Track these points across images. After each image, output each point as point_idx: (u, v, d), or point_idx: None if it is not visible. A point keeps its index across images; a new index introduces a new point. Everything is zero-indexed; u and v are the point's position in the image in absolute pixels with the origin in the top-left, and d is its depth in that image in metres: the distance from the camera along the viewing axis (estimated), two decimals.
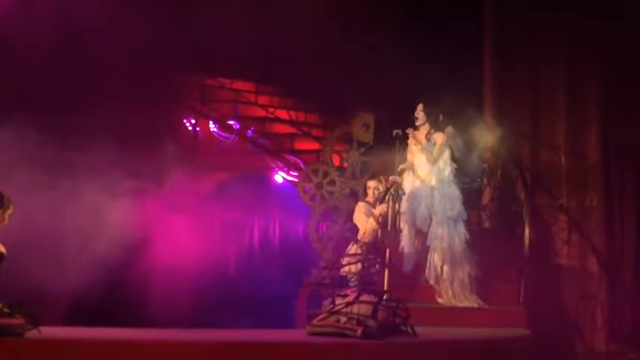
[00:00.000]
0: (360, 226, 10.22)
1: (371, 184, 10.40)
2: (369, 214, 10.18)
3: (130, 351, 7.13)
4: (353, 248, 10.24)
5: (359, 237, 10.24)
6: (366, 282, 9.37)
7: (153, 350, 7.21)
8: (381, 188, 10.25)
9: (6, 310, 6.83)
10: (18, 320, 6.78)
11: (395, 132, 10.44)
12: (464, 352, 8.17)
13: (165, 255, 10.63)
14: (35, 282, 7.63)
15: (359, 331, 7.67)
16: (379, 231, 10.16)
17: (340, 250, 10.51)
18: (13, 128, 8.53)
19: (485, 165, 10.88)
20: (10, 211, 7.06)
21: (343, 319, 7.86)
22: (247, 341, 7.68)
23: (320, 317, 8.06)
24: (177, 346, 7.29)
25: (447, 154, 10.05)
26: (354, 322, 7.77)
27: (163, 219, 10.50)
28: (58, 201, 8.05)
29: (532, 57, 11.39)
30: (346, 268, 10.04)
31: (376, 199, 10.20)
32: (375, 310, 7.88)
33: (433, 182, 10.04)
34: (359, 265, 9.99)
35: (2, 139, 8.01)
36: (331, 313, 8.02)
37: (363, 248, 10.16)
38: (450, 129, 10.22)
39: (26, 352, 6.83)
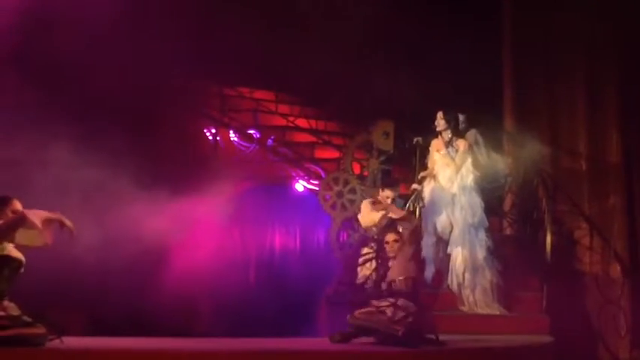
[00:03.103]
0: (362, 220, 10.17)
1: (387, 193, 10.38)
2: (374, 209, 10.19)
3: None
4: (364, 250, 10.30)
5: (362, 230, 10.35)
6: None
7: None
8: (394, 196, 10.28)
9: (27, 318, 6.82)
10: (40, 330, 6.80)
11: (415, 140, 10.47)
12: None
13: (186, 263, 10.64)
14: (54, 291, 7.60)
15: (400, 332, 7.75)
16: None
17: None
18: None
19: (507, 171, 10.88)
20: (13, 207, 7.06)
21: (385, 317, 7.95)
22: (270, 350, 7.75)
23: (363, 311, 8.13)
24: (200, 355, 7.36)
25: (469, 161, 10.06)
26: (397, 322, 7.84)
27: (184, 228, 10.49)
28: (85, 210, 8.10)
29: (550, 64, 11.38)
30: (360, 274, 10.13)
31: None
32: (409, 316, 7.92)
33: (454, 189, 10.06)
34: (372, 266, 10.08)
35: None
36: (377, 309, 8.09)
37: (373, 246, 10.22)
38: (472, 131, 10.26)
39: None
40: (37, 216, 6.96)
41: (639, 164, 11.12)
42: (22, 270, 7.14)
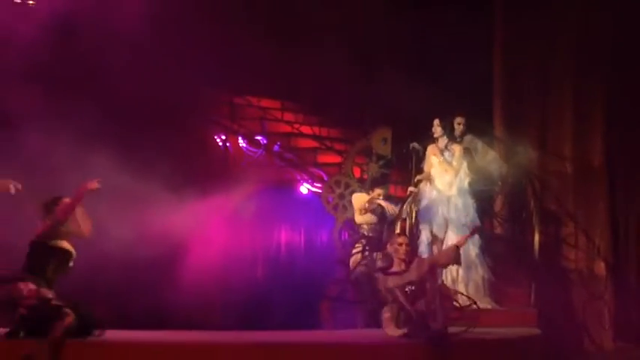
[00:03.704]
0: (354, 203, 10.59)
1: (377, 191, 10.56)
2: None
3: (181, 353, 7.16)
4: (356, 246, 10.35)
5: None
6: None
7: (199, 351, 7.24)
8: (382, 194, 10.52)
9: (67, 310, 6.73)
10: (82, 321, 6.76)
11: (411, 145, 10.45)
12: (478, 350, 8.10)
13: (200, 259, 10.61)
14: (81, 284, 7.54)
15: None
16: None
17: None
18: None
19: (497, 177, 10.80)
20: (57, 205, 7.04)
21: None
22: (276, 342, 7.72)
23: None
24: (215, 347, 7.37)
25: (465, 164, 10.05)
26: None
27: (197, 227, 10.48)
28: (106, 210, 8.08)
29: (540, 72, 11.30)
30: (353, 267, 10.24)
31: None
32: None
33: (449, 192, 10.04)
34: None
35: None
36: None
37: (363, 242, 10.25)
38: (469, 136, 10.25)
39: (88, 355, 6.79)
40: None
41: (621, 168, 11.03)
42: (72, 263, 7.15)
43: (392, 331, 7.95)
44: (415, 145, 10.45)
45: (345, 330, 9.79)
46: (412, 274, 8.05)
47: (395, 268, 8.16)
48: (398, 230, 10.42)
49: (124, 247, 8.90)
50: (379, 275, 8.39)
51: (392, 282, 8.12)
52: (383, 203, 10.39)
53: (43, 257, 7.02)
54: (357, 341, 8.32)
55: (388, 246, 8.36)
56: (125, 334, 7.62)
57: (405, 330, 7.89)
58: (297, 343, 7.81)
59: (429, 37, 12.27)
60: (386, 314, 8.05)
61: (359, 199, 10.66)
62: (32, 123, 9.27)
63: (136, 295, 10.15)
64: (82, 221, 7.19)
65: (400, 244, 8.22)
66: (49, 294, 6.89)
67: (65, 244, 7.08)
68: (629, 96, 10.99)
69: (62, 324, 6.63)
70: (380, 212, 10.57)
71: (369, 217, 10.51)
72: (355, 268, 10.37)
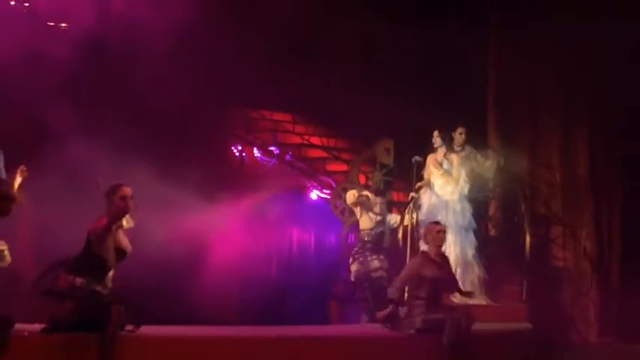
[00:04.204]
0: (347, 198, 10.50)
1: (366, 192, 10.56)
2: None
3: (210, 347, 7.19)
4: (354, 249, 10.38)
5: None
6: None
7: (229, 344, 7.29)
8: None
9: (118, 306, 6.46)
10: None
11: (413, 159, 10.45)
12: (474, 343, 7.98)
13: (219, 259, 10.66)
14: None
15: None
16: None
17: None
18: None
19: (493, 183, 10.81)
20: (121, 193, 6.58)
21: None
22: (292, 335, 7.85)
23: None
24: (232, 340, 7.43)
25: (464, 173, 10.05)
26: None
27: (216, 230, 10.51)
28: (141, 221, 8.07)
29: (531, 91, 11.20)
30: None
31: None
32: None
33: (447, 197, 10.04)
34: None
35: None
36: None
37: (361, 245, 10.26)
38: (467, 147, 10.26)
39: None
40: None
41: (605, 175, 10.96)
42: (125, 258, 6.84)
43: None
44: (417, 158, 10.46)
45: (351, 325, 9.82)
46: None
47: (432, 256, 8.04)
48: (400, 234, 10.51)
49: (152, 248, 8.84)
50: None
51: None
52: (370, 196, 10.37)
53: (100, 250, 6.59)
54: (361, 335, 8.45)
55: (425, 235, 8.24)
56: (153, 329, 7.58)
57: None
58: (307, 337, 7.90)
59: (429, 58, 12.26)
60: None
61: (350, 195, 10.65)
62: (72, 136, 9.28)
63: (163, 292, 10.15)
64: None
65: (438, 232, 8.09)
66: (100, 287, 6.60)
67: (123, 240, 6.77)
68: (610, 113, 10.92)
69: (116, 320, 6.39)
70: (368, 204, 10.53)
71: (369, 222, 10.45)
72: (354, 269, 10.38)
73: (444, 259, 8.29)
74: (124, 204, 6.56)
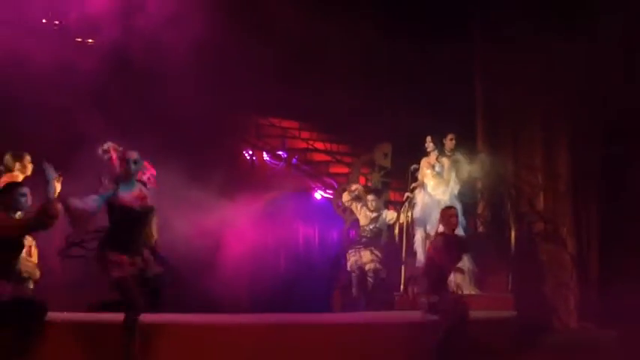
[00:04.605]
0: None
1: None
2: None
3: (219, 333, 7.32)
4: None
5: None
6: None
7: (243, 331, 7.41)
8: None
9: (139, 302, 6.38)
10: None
11: (412, 167, 10.59)
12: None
13: (232, 253, 10.63)
14: None
15: None
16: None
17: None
18: None
19: (480, 185, 10.91)
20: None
21: None
22: (295, 322, 8.03)
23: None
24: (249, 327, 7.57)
25: (454, 175, 10.13)
26: None
27: (230, 226, 10.55)
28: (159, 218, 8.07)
29: (514, 100, 11.18)
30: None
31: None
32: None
33: (439, 197, 10.12)
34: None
35: None
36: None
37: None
38: (458, 155, 10.36)
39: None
40: None
41: (583, 176, 10.90)
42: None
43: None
44: (415, 166, 10.61)
45: (351, 313, 9.90)
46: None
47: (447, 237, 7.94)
48: (396, 230, 10.61)
49: (174, 242, 8.73)
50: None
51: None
52: (360, 188, 10.52)
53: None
54: (360, 322, 8.57)
55: (440, 219, 8.12)
56: (174, 316, 7.74)
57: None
58: (312, 324, 8.05)
59: (423, 72, 12.27)
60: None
61: (344, 195, 10.85)
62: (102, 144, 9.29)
63: (183, 282, 10.16)
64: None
65: (451, 216, 8.04)
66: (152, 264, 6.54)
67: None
68: (587, 119, 10.89)
69: (135, 314, 6.36)
70: (361, 196, 10.65)
71: (364, 219, 10.53)
72: (349, 261, 10.47)
73: (457, 239, 8.27)
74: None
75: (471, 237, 10.17)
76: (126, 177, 6.53)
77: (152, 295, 6.42)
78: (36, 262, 7.81)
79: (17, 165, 7.91)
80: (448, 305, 7.78)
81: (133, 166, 6.53)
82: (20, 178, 7.70)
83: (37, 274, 7.78)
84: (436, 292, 7.86)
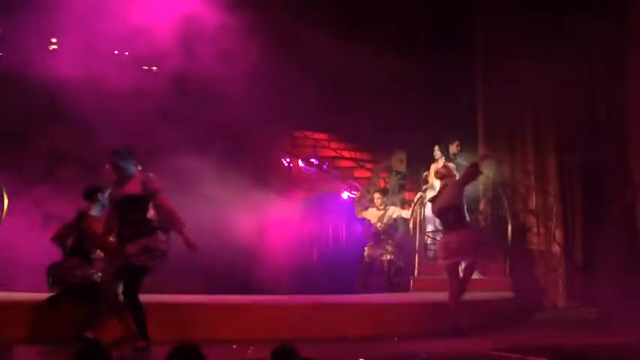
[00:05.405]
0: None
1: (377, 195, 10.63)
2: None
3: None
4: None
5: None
6: None
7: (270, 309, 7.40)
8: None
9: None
10: None
11: (424, 174, 10.67)
12: (469, 308, 8.27)
13: (271, 245, 10.72)
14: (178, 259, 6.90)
15: None
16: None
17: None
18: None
19: (481, 186, 10.88)
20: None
21: None
22: (327, 302, 7.99)
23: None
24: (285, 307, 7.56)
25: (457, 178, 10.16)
26: None
27: (271, 222, 10.66)
28: (214, 212, 8.14)
29: (509, 112, 11.19)
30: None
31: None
32: None
33: None
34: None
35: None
36: None
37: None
38: (462, 156, 10.40)
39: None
40: None
41: (570, 178, 10.88)
42: None
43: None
44: (426, 172, 10.68)
45: (374, 294, 9.98)
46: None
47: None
48: (411, 225, 10.68)
49: (221, 235, 8.97)
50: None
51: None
52: (377, 198, 10.46)
53: None
54: (381, 302, 8.61)
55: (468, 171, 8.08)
56: (221, 297, 7.85)
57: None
58: (341, 304, 8.03)
59: (435, 88, 12.27)
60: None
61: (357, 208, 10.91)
62: (167, 154, 9.45)
63: (229, 270, 10.30)
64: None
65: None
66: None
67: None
68: (572, 128, 10.87)
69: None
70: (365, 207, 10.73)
71: (373, 217, 10.59)
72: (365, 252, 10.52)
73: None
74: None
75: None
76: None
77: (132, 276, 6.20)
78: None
79: None
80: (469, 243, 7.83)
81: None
82: None
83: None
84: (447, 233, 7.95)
